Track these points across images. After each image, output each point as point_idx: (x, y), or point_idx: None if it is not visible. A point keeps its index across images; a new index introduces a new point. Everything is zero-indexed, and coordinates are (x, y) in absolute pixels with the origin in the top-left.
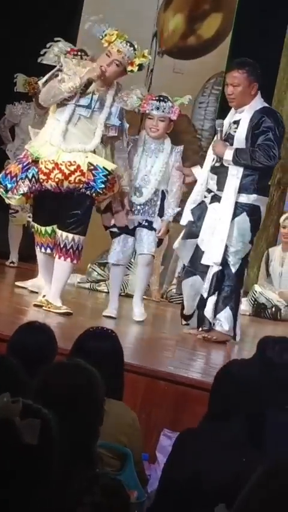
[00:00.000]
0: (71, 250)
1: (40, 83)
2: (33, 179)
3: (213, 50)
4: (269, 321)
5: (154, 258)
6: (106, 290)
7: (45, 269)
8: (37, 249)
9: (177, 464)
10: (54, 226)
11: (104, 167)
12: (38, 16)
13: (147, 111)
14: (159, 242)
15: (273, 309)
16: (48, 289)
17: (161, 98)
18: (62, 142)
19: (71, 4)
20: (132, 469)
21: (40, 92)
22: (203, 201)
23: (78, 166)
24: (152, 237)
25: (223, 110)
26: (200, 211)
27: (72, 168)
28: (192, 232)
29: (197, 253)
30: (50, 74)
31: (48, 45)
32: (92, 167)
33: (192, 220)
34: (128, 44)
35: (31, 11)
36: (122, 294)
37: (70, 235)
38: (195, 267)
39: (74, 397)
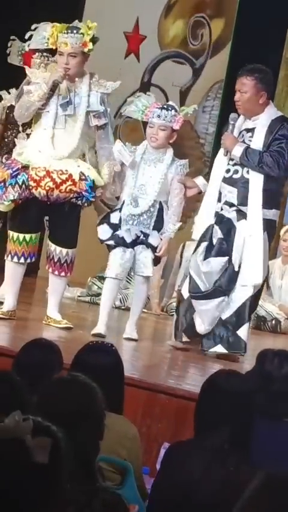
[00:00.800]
0: (65, 264)
1: (12, 101)
2: (23, 185)
3: (216, 55)
4: (269, 334)
5: (150, 276)
6: None
7: (13, 280)
8: (8, 258)
9: (167, 476)
10: (34, 235)
11: (93, 180)
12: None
13: (149, 119)
14: (158, 260)
15: (273, 322)
16: (10, 301)
17: (165, 107)
18: (51, 150)
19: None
20: (132, 483)
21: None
22: (223, 216)
23: (70, 175)
24: (149, 257)
25: (225, 114)
26: (228, 227)
27: (63, 177)
28: (222, 250)
29: (230, 273)
30: (19, 90)
31: (9, 45)
32: (83, 177)
33: (222, 237)
34: (69, 31)
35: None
36: (122, 307)
37: (64, 250)
38: (229, 288)
39: (74, 412)
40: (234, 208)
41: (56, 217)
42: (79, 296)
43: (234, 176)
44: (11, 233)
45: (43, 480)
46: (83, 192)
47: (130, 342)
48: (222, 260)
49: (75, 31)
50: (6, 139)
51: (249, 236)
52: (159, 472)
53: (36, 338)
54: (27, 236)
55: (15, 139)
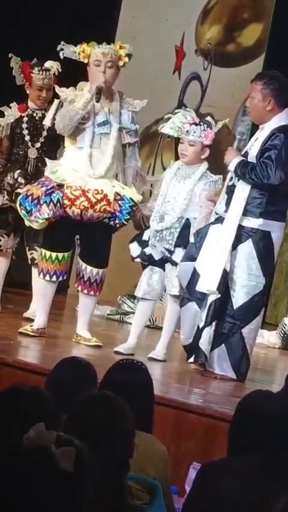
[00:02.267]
0: (94, 283)
1: (48, 123)
2: (58, 204)
3: (255, 59)
4: None
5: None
6: None
7: (44, 297)
8: (40, 276)
9: (198, 497)
10: (66, 254)
11: (130, 198)
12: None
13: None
14: None
15: None
16: (41, 319)
17: (197, 122)
18: (89, 169)
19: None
20: (161, 502)
21: (54, 124)
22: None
23: (105, 195)
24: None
25: None
26: (203, 231)
27: (99, 196)
28: (191, 254)
29: (194, 278)
30: (54, 109)
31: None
32: (118, 197)
33: (193, 241)
34: (104, 44)
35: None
36: (151, 326)
37: (95, 270)
38: (191, 293)
39: (104, 430)
40: (217, 215)
41: (88, 237)
42: (109, 314)
43: (229, 184)
44: (43, 251)
45: (68, 488)
46: (117, 213)
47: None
48: (190, 265)
49: (110, 44)
50: (16, 156)
51: (217, 242)
52: (190, 491)
53: (71, 356)
54: (60, 255)
55: (46, 159)
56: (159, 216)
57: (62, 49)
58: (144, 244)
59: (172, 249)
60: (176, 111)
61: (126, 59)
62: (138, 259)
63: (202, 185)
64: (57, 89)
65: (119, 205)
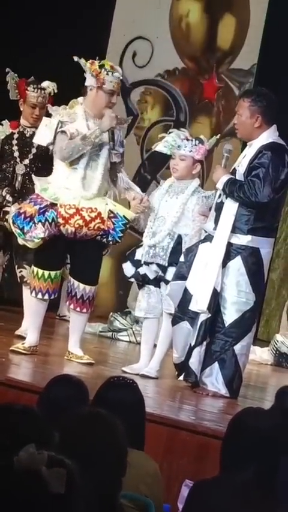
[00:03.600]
0: (87, 301)
1: (44, 143)
2: (53, 223)
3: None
4: None
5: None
6: (127, 339)
7: (36, 315)
8: (32, 295)
9: None
10: (58, 272)
11: (124, 216)
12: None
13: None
14: None
15: None
16: (33, 337)
17: (188, 138)
18: (82, 190)
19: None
20: None
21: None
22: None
23: (99, 213)
24: None
25: None
26: (191, 249)
27: (93, 214)
28: (181, 273)
29: (186, 297)
30: (49, 128)
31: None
32: (112, 215)
33: (183, 260)
34: (113, 72)
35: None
36: (134, 342)
37: (87, 287)
38: (184, 312)
39: (96, 448)
40: (208, 233)
41: (79, 254)
42: (101, 331)
43: (218, 201)
44: (35, 269)
45: (59, 510)
46: (110, 231)
47: (152, 378)
48: (180, 284)
49: (118, 71)
50: (4, 172)
51: (207, 261)
52: (183, 509)
53: (63, 374)
54: (52, 273)
55: (33, 176)
56: (152, 232)
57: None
58: (137, 263)
59: (166, 265)
60: (170, 130)
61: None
62: (132, 279)
63: (195, 200)
64: (50, 108)
65: (112, 222)
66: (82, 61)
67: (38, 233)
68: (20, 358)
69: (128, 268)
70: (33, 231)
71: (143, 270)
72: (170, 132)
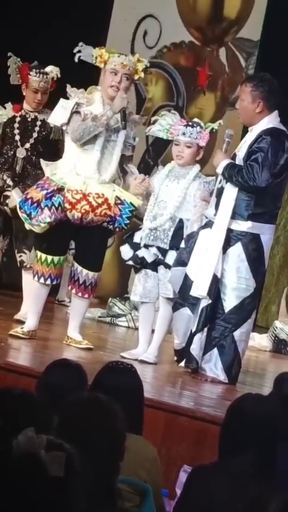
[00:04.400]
0: (89, 287)
1: (58, 123)
2: (60, 207)
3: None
4: None
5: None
6: (126, 325)
7: (37, 300)
8: (34, 279)
9: (189, 500)
10: (62, 258)
11: (130, 202)
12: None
13: (174, 137)
14: None
15: None
16: (32, 321)
17: (190, 123)
18: (95, 172)
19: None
20: (151, 504)
21: (68, 131)
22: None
23: (106, 199)
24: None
25: None
26: (192, 235)
27: (100, 200)
28: (182, 259)
29: (186, 283)
30: (64, 109)
31: (8, 64)
32: (119, 201)
33: (184, 246)
34: (124, 55)
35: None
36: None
37: (90, 273)
38: (185, 298)
39: (95, 432)
40: (209, 218)
41: (85, 240)
42: (99, 317)
43: (218, 186)
44: (39, 254)
45: (57, 493)
46: (117, 217)
47: (150, 363)
48: (181, 270)
49: (129, 56)
50: (5, 156)
51: (206, 250)
52: (181, 494)
53: (61, 358)
54: (56, 258)
55: (41, 160)
56: (153, 216)
57: (79, 51)
58: (135, 246)
59: (166, 248)
60: (162, 113)
61: (142, 74)
62: (130, 262)
63: (196, 185)
64: (68, 88)
65: (119, 209)
66: (90, 50)
67: (44, 218)
68: (19, 342)
69: (126, 251)
70: (40, 215)
71: (141, 252)
72: (162, 115)
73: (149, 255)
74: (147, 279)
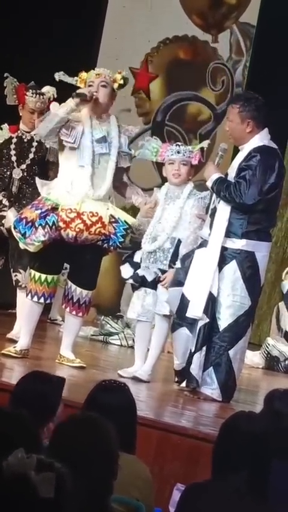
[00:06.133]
0: (83, 305)
1: (5, 136)
2: (54, 226)
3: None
4: (282, 374)
5: (170, 316)
6: (119, 343)
7: (30, 319)
8: (28, 297)
9: None
10: (55, 277)
11: (124, 221)
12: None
13: (166, 158)
14: None
15: (287, 362)
16: (25, 340)
17: (179, 144)
18: (90, 188)
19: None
20: None
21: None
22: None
23: (100, 217)
24: (166, 296)
25: None
26: (188, 256)
27: (94, 219)
28: (178, 279)
29: (183, 302)
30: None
31: (4, 85)
32: (113, 219)
33: (180, 266)
34: (102, 70)
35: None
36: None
37: (84, 291)
38: (182, 318)
39: (88, 451)
40: (204, 238)
41: (79, 258)
42: (92, 335)
43: (212, 206)
44: (33, 272)
45: None
46: (112, 235)
47: (143, 382)
48: (178, 290)
49: (104, 69)
50: (1, 176)
51: (201, 270)
52: None
53: (34, 370)
54: (49, 277)
55: (36, 178)
56: (152, 237)
57: (60, 78)
58: (136, 265)
59: (166, 269)
60: (147, 138)
61: (122, 81)
62: (130, 281)
63: (191, 202)
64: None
65: (113, 227)
66: (67, 79)
67: (38, 236)
68: (11, 361)
69: (127, 270)
70: (34, 234)
71: (141, 272)
72: (147, 140)
73: (149, 273)
74: (146, 297)
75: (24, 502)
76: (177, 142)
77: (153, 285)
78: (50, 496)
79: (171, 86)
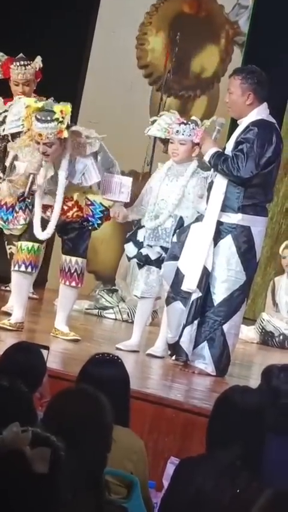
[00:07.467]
0: (75, 273)
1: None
2: (33, 207)
3: None
4: (276, 349)
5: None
6: (113, 317)
7: (20, 291)
8: (15, 268)
9: (177, 492)
10: (40, 245)
11: (100, 203)
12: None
13: (170, 136)
14: None
15: (281, 337)
16: (19, 313)
17: (184, 121)
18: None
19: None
20: (138, 496)
21: None
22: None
23: (76, 202)
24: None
25: None
26: (184, 231)
27: (70, 203)
28: (174, 253)
29: (178, 277)
30: (10, 163)
31: None
32: (89, 202)
33: (176, 241)
34: (43, 118)
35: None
36: (129, 321)
37: (73, 259)
38: (177, 292)
39: (82, 424)
40: (200, 213)
41: (67, 231)
42: (87, 309)
43: (209, 181)
44: (19, 244)
45: (43, 489)
46: (89, 218)
47: (137, 355)
48: (173, 264)
49: (49, 118)
50: None
51: (196, 244)
52: (168, 486)
53: (17, 342)
54: (36, 245)
55: (15, 162)
56: (154, 215)
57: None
58: (139, 244)
59: (168, 247)
60: (161, 113)
61: (66, 133)
62: (134, 260)
63: (194, 181)
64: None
65: (90, 210)
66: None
67: (19, 220)
68: (6, 334)
69: (130, 249)
70: (16, 219)
71: (145, 250)
72: (161, 115)
73: (152, 252)
74: (150, 275)
75: (19, 477)
76: (183, 120)
77: (158, 263)
78: (44, 471)
79: (174, 40)
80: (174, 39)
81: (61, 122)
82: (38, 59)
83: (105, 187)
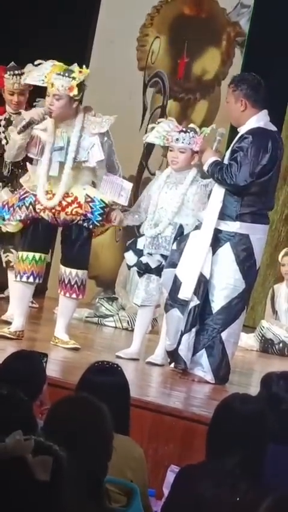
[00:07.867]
0: (75, 286)
1: None
2: (31, 207)
3: None
4: (276, 357)
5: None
6: (113, 325)
7: (20, 300)
8: (16, 279)
9: (177, 500)
10: (42, 255)
11: (101, 199)
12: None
13: (169, 144)
14: None
15: (281, 345)
16: (19, 322)
17: (184, 129)
18: (45, 200)
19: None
20: (138, 504)
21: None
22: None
23: (76, 198)
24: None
25: None
26: (184, 239)
27: (69, 199)
28: (173, 261)
29: (175, 284)
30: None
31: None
32: (89, 199)
33: (175, 248)
34: (61, 73)
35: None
36: (129, 329)
37: (74, 271)
38: (174, 299)
39: (83, 433)
40: (200, 221)
41: (66, 239)
42: (87, 317)
43: (209, 188)
44: (20, 253)
45: (44, 497)
46: (88, 214)
47: (136, 363)
48: (172, 271)
49: (67, 74)
50: None
51: (194, 252)
52: (169, 494)
53: (18, 350)
54: (37, 255)
55: (27, 164)
56: (154, 223)
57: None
58: (139, 253)
59: (168, 255)
60: (159, 120)
61: (76, 91)
62: (134, 268)
63: (194, 189)
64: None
65: (90, 207)
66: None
67: (15, 216)
68: (5, 343)
69: (130, 257)
70: (12, 215)
71: (145, 259)
72: (159, 122)
73: (152, 261)
74: (150, 283)
75: (21, 485)
76: (182, 128)
77: (157, 271)
78: (46, 480)
79: (175, 44)
80: (181, 44)
81: (77, 79)
82: (29, 67)
83: (106, 187)
